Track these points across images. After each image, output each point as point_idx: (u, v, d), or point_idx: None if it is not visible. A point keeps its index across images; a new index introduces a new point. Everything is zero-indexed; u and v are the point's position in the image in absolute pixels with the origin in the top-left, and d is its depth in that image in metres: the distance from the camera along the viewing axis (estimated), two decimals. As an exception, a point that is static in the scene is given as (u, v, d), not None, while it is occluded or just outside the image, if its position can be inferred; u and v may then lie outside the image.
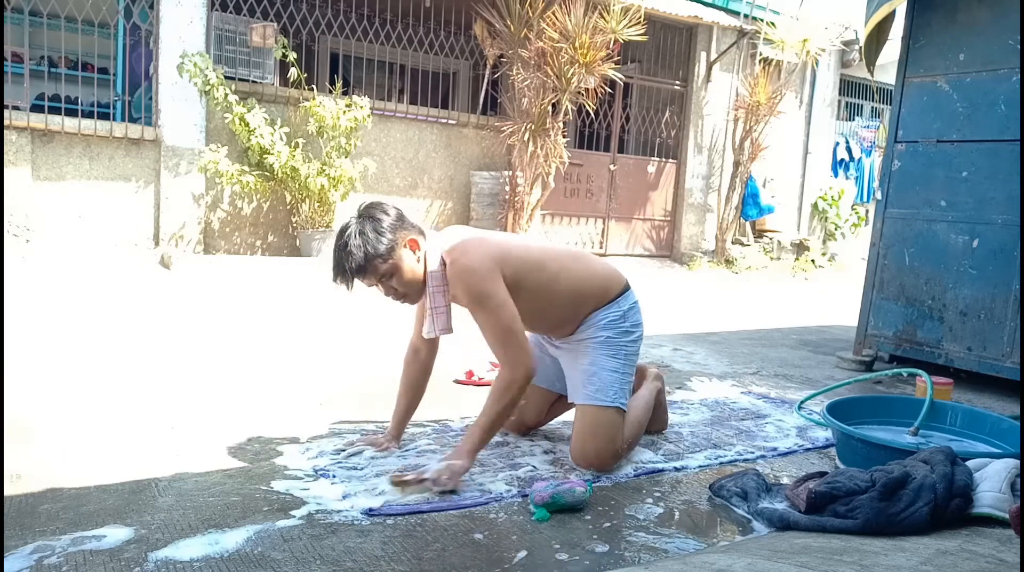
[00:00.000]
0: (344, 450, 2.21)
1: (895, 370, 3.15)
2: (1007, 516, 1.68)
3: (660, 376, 2.54)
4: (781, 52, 8.58)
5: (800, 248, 9.67)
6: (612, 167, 8.41)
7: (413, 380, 2.31)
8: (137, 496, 1.83)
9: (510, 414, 2.11)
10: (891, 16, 3.70)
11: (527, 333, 2.25)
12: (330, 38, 7.16)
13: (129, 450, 2.14)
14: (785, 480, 2.17)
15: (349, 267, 1.99)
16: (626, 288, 2.32)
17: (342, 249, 2.00)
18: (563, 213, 8.15)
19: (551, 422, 2.53)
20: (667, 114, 8.80)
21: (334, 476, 2.00)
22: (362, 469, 2.06)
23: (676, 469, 2.23)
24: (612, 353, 2.22)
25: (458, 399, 2.89)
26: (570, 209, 8.20)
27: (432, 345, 2.30)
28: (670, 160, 8.89)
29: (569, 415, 2.53)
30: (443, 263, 2.08)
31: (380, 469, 2.07)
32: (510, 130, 6.92)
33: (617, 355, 2.23)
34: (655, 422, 2.51)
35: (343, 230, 2.02)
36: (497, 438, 2.39)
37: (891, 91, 4.86)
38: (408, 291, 2.09)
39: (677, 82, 8.84)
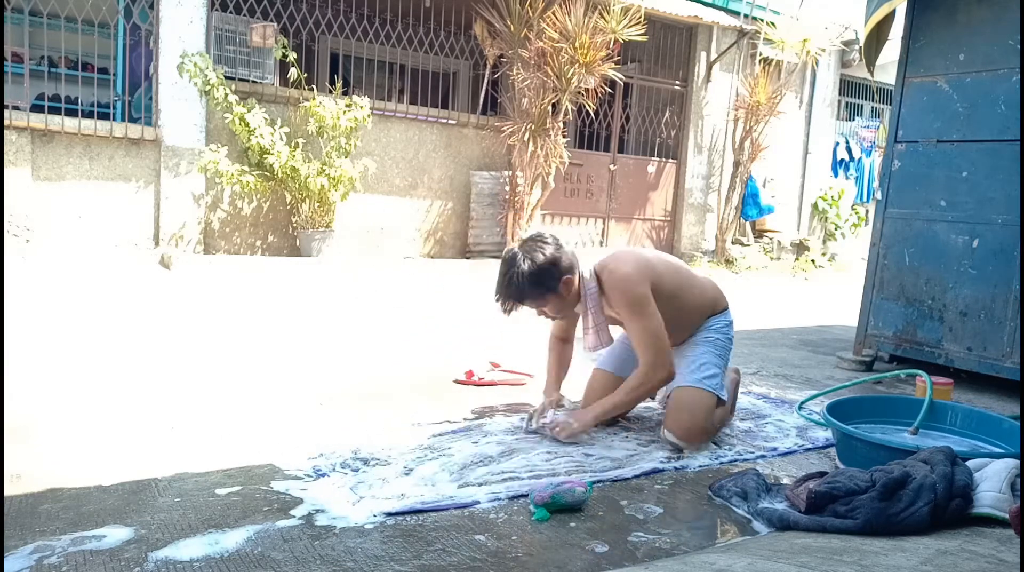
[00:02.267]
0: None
1: (895, 372, 3.15)
2: (1007, 516, 1.68)
3: (738, 370, 2.81)
4: (781, 52, 8.59)
5: (800, 248, 9.67)
6: (612, 167, 8.41)
7: (562, 356, 2.63)
8: (137, 496, 1.83)
9: (636, 403, 2.46)
10: (891, 16, 3.70)
11: None
12: (330, 38, 7.16)
13: (129, 450, 2.14)
14: (785, 480, 2.17)
15: (511, 298, 2.25)
16: (727, 306, 2.62)
17: (507, 281, 2.23)
18: (563, 213, 8.15)
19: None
20: (667, 114, 8.80)
21: (334, 472, 2.00)
22: (362, 470, 2.06)
23: (676, 469, 2.23)
24: (719, 352, 2.50)
25: (458, 399, 2.89)
26: (570, 209, 8.20)
27: (571, 334, 2.61)
28: (670, 160, 8.89)
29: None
30: (597, 279, 2.33)
31: (381, 470, 2.07)
32: (510, 130, 6.92)
33: (722, 355, 2.51)
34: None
35: (510, 262, 2.23)
36: (497, 438, 2.39)
37: (891, 91, 4.86)
38: (558, 317, 2.42)
39: (677, 82, 8.84)
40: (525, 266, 2.20)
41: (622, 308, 2.30)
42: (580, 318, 2.45)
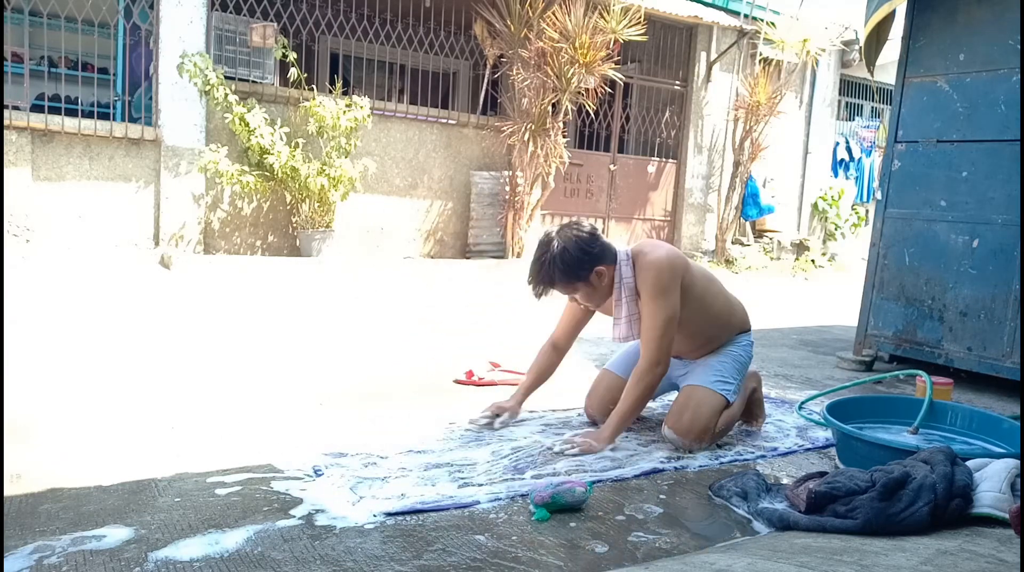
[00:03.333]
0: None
1: (895, 372, 3.15)
2: (1007, 516, 1.68)
3: (757, 376, 2.72)
4: (781, 52, 8.58)
5: (800, 248, 9.67)
6: (612, 167, 8.41)
7: (544, 367, 2.58)
8: (137, 496, 1.83)
9: (645, 401, 2.35)
10: (891, 16, 3.70)
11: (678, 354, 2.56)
12: (330, 38, 7.16)
13: (129, 450, 2.14)
14: (785, 480, 2.17)
15: (541, 282, 2.27)
16: (751, 328, 2.61)
17: (539, 265, 2.26)
18: (563, 213, 8.14)
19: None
20: (667, 114, 8.80)
21: (334, 472, 2.00)
22: (362, 469, 2.06)
23: (676, 469, 2.23)
24: (738, 367, 2.49)
25: (458, 398, 2.89)
26: (570, 209, 8.19)
27: (568, 344, 2.59)
28: (670, 160, 8.89)
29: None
30: (632, 264, 2.32)
31: (380, 469, 2.07)
32: (510, 130, 6.92)
33: (741, 370, 2.50)
34: (748, 414, 2.69)
35: (544, 246, 2.27)
36: (500, 444, 2.39)
37: (891, 91, 4.86)
38: (588, 304, 2.41)
39: (677, 82, 8.84)
40: (557, 252, 2.23)
41: (645, 290, 2.29)
42: (613, 308, 2.40)
